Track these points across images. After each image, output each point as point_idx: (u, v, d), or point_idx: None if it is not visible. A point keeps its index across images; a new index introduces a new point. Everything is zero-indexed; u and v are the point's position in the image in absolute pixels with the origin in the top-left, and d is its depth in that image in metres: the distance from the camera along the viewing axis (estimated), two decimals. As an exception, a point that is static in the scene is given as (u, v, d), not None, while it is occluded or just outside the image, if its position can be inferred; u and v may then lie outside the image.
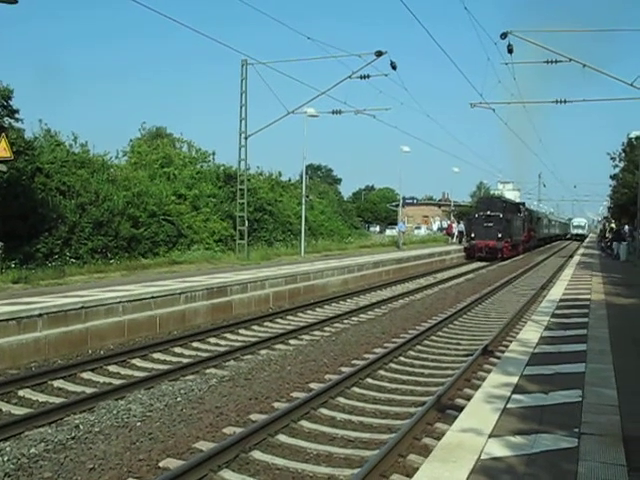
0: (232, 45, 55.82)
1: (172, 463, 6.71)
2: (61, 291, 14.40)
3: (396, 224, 72.71)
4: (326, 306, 18.97)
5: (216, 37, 62.08)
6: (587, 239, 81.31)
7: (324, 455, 7.12)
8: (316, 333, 14.52)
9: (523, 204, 56.04)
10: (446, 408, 8.56)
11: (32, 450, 7.03)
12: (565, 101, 26.32)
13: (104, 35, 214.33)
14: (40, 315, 11.48)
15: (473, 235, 42.17)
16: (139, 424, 8.10)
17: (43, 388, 9.70)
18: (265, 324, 15.62)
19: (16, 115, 22.99)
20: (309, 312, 17.77)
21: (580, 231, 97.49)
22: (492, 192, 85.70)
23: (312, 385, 10.04)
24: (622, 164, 52.11)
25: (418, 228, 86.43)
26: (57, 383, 9.93)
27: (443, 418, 8.17)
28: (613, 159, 52.80)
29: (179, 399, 9.21)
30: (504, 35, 20.73)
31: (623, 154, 51.23)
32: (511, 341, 11.51)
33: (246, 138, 28.57)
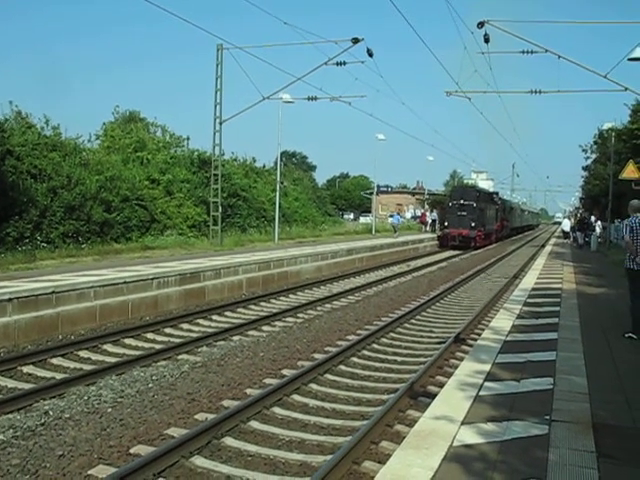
0: (208, 29, 55.15)
1: (143, 449, 6.66)
2: (32, 275, 14.20)
3: (369, 212, 72.79)
4: (299, 293, 18.95)
5: (192, 20, 61.09)
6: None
7: (297, 442, 7.12)
8: (289, 320, 14.51)
9: (496, 194, 56.43)
10: (418, 395, 8.60)
11: (0, 437, 6.93)
12: (540, 91, 26.44)
13: (77, 22, 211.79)
14: (10, 300, 11.32)
15: (446, 224, 42.39)
16: (110, 410, 8.03)
17: (12, 374, 9.56)
18: (238, 310, 15.57)
19: (-15, 96, 22.54)
20: (282, 299, 17.74)
21: (560, 220, 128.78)
22: (466, 181, 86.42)
23: (285, 371, 10.03)
24: (594, 156, 52.66)
25: (391, 216, 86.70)
26: (27, 369, 9.80)
27: (415, 405, 8.22)
28: (585, 151, 53.35)
29: (151, 385, 9.15)
30: (481, 24, 20.72)
31: (595, 146, 51.75)
32: (483, 329, 11.59)
33: (221, 123, 28.35)
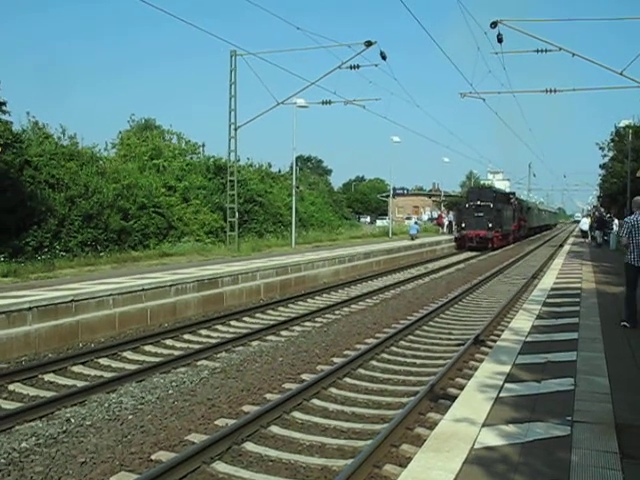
0: (221, 36, 55.45)
1: (164, 456, 6.68)
2: (51, 284, 14.32)
3: (386, 215, 72.72)
4: (317, 297, 18.95)
5: (205, 28, 61.63)
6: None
7: (317, 446, 7.11)
8: (307, 324, 14.50)
9: (513, 194, 56.10)
10: (439, 398, 8.56)
11: (23, 444, 6.98)
12: (555, 90, 26.32)
13: (92, 28, 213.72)
14: (30, 309, 11.41)
15: (464, 225, 42.22)
16: (131, 417, 8.06)
17: (34, 382, 9.64)
18: (256, 315, 15.59)
19: (3, 107, 22.75)
20: (300, 303, 17.75)
21: (579, 219, 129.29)
22: (482, 182, 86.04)
23: (304, 376, 10.02)
24: (611, 153, 52.30)
25: (409, 218, 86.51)
26: (48, 377, 9.87)
27: (436, 408, 8.17)
28: (602, 149, 53.01)
29: (171, 391, 9.18)
30: (494, 24, 20.65)
31: (612, 143, 51.39)
32: (503, 330, 11.51)
33: (236, 129, 28.47)
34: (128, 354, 11.51)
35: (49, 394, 8.94)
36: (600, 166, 58.41)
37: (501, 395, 6.29)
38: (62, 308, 12.12)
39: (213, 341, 12.54)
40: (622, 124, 44.52)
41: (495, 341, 10.66)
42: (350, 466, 6.09)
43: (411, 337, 13.09)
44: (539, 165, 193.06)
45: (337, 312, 16.17)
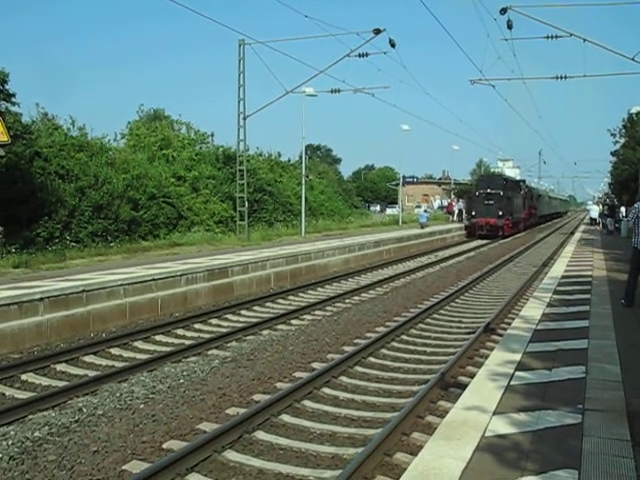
0: (229, 25, 55.34)
1: (176, 445, 6.71)
2: (62, 275, 14.37)
3: (396, 203, 72.65)
4: (327, 286, 18.95)
5: (213, 17, 61.58)
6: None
7: (328, 434, 7.12)
8: (318, 313, 14.51)
9: (523, 181, 55.78)
10: (449, 386, 8.56)
11: (36, 434, 7.03)
12: (565, 77, 26.09)
13: (100, 20, 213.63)
14: (41, 299, 11.47)
15: (474, 213, 42.03)
16: (142, 406, 8.10)
17: (46, 372, 9.71)
18: (267, 304, 15.62)
19: (12, 99, 22.74)
20: (310, 292, 17.75)
21: (590, 207, 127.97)
22: (492, 170, 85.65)
23: (314, 365, 10.04)
24: (622, 140, 51.86)
25: (419, 207, 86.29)
26: (60, 367, 9.93)
27: (446, 396, 8.18)
28: (613, 135, 52.57)
29: (182, 381, 9.22)
30: (504, 10, 20.46)
31: (623, 130, 50.97)
32: (513, 318, 11.48)
33: (245, 119, 28.41)
34: (139, 344, 11.56)
35: (61, 384, 9.00)
36: (611, 153, 57.89)
37: (512, 383, 6.28)
38: (73, 298, 12.17)
39: (224, 330, 12.56)
40: (634, 110, 44.15)
41: (506, 329, 10.63)
42: (361, 454, 6.10)
43: (422, 325, 13.08)
44: (549, 152, 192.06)
45: (347, 301, 16.17)
